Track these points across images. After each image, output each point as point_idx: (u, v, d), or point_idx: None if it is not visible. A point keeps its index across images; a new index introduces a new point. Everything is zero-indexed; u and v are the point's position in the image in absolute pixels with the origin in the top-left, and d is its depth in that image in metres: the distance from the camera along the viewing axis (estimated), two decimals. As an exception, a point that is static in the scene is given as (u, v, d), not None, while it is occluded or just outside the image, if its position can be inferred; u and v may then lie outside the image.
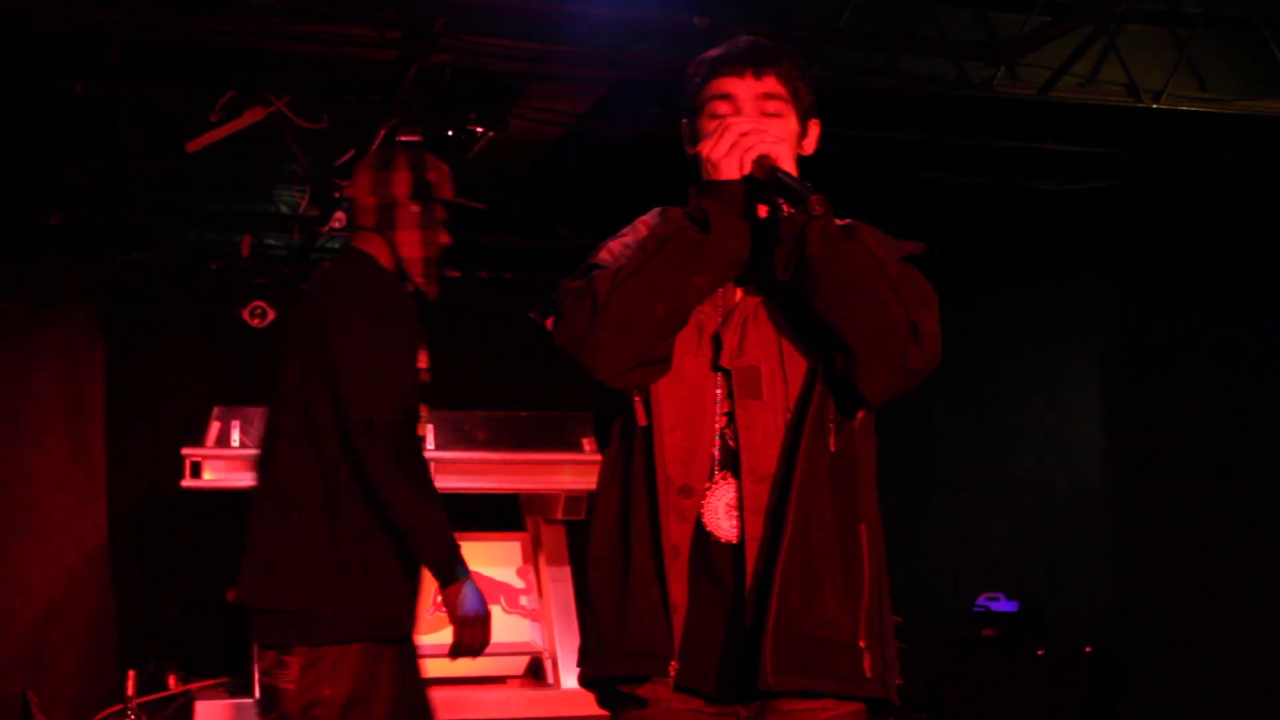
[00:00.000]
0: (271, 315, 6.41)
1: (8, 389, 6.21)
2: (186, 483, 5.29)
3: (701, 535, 1.99)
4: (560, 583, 5.81)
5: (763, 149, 1.95)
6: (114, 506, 6.27)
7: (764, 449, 1.98)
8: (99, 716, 5.73)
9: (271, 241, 7.10)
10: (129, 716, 5.59)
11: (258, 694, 3.03)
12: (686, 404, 2.00)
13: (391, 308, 2.97)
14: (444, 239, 3.12)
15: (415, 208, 3.08)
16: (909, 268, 2.02)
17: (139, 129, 5.29)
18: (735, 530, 1.98)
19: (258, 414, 5.73)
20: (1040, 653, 6.14)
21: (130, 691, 5.62)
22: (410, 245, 3.07)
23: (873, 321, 1.94)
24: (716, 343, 2.02)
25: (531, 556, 5.84)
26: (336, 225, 6.00)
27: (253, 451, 5.42)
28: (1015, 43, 4.53)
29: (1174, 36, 4.79)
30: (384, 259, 3.07)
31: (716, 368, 2.01)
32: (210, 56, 4.76)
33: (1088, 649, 6.20)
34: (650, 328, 1.95)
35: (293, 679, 2.88)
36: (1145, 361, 6.35)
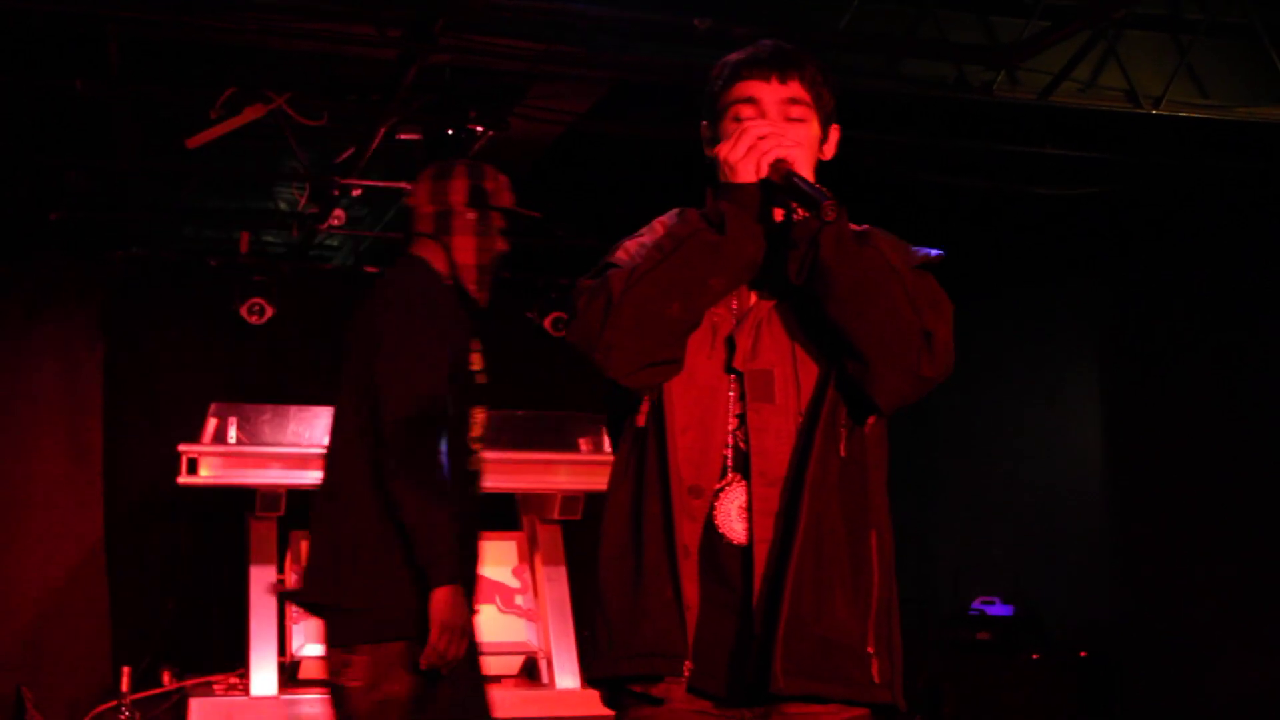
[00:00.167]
0: (270, 312, 6.41)
1: (6, 386, 6.21)
2: (183, 479, 5.29)
3: (710, 536, 1.99)
4: (556, 583, 5.81)
5: (780, 153, 1.95)
6: (111, 503, 6.26)
7: (775, 452, 1.99)
8: (93, 713, 5.73)
9: (270, 239, 7.10)
10: (123, 713, 5.59)
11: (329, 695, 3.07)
12: (699, 405, 2.01)
13: (433, 311, 3.04)
14: (500, 246, 3.20)
15: (471, 215, 3.16)
16: (924, 275, 2.02)
17: (138, 126, 5.29)
18: (746, 532, 1.98)
19: (255, 411, 5.74)
20: (1036, 656, 6.14)
21: (125, 688, 5.62)
22: (465, 251, 3.15)
23: (885, 328, 1.94)
24: (730, 345, 2.02)
25: (527, 556, 5.85)
26: (335, 223, 6.00)
27: (249, 448, 5.47)
28: (1015, 47, 4.54)
29: (1174, 42, 4.79)
30: (439, 265, 3.15)
31: (729, 370, 2.02)
32: (210, 54, 4.76)
33: (1083, 653, 6.20)
34: (663, 328, 1.95)
35: (358, 677, 2.93)
36: (1144, 365, 6.35)
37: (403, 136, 5.32)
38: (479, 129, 5.09)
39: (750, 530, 1.98)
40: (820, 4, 4.47)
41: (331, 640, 3.00)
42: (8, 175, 5.76)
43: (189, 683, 5.70)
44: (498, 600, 5.65)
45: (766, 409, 2.00)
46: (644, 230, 2.11)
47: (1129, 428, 6.42)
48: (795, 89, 2.06)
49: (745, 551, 1.98)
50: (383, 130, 5.07)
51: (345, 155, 5.50)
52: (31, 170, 5.74)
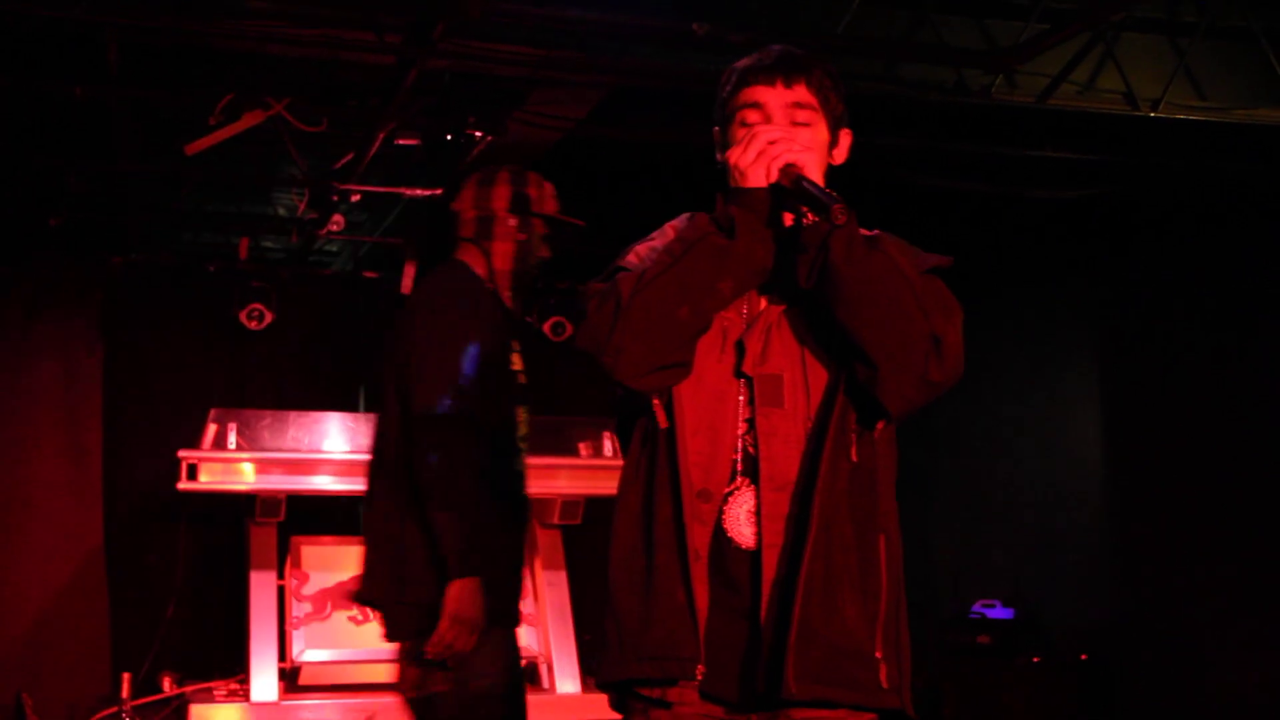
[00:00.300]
0: (269, 318, 6.41)
1: (5, 390, 6.21)
2: (183, 485, 5.29)
3: (719, 540, 1.99)
4: (556, 588, 5.81)
5: (789, 157, 1.96)
6: (110, 509, 6.26)
7: (783, 457, 1.99)
8: (93, 719, 5.73)
9: (269, 244, 7.10)
10: (124, 719, 5.59)
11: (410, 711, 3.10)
12: (708, 409, 2.01)
13: (467, 312, 3.07)
14: (543, 253, 3.24)
15: (512, 221, 3.20)
16: (933, 280, 2.02)
17: (138, 131, 5.29)
18: (755, 537, 1.99)
19: (255, 416, 5.74)
20: (1036, 659, 6.13)
21: (125, 694, 5.62)
22: (504, 257, 3.19)
23: (894, 332, 1.95)
24: (740, 349, 2.03)
25: (528, 561, 5.84)
26: (334, 228, 6.00)
27: (249, 454, 5.47)
28: (1013, 50, 4.54)
29: (1172, 45, 4.80)
30: (480, 269, 3.19)
31: (739, 374, 2.02)
32: (210, 59, 4.75)
33: (1084, 656, 6.20)
34: (672, 331, 1.96)
35: (409, 678, 2.97)
36: (1144, 366, 6.35)
37: (402, 142, 5.32)
38: (478, 134, 5.10)
39: (759, 535, 1.98)
40: (819, 8, 4.47)
41: (391, 634, 3.05)
42: (8, 178, 5.76)
43: (189, 689, 5.70)
44: (498, 604, 5.64)
45: (775, 414, 2.00)
46: (655, 234, 2.12)
47: (1128, 429, 6.41)
48: (801, 93, 2.07)
49: (754, 556, 1.98)
50: (382, 135, 5.06)
51: (344, 160, 5.50)
52: (31, 173, 5.74)
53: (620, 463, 2.10)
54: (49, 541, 6.14)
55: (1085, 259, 6.61)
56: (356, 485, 5.57)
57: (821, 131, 2.09)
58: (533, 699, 5.44)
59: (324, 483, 5.50)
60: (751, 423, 2.01)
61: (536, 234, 3.22)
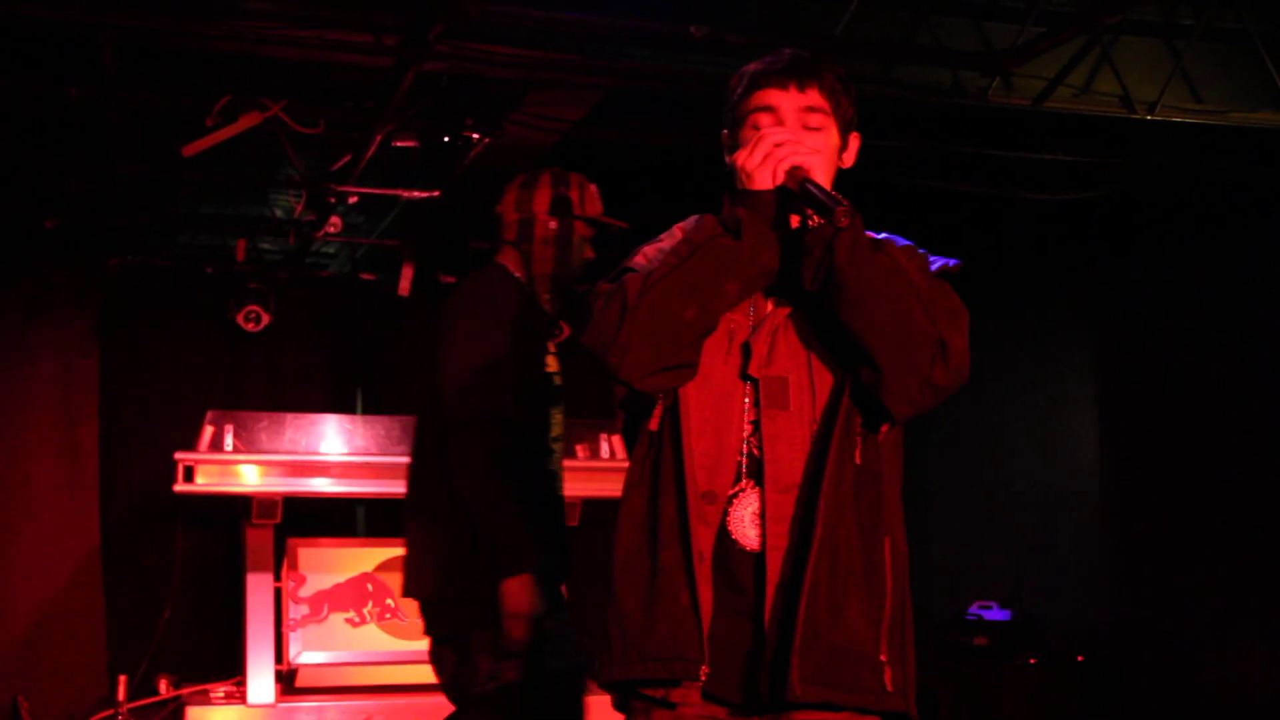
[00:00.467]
0: (266, 319, 6.40)
1: (2, 391, 6.19)
2: (180, 487, 5.28)
3: (723, 542, 2.00)
4: (554, 589, 5.80)
5: (796, 160, 1.97)
6: (107, 511, 6.24)
7: (788, 459, 1.99)
8: (89, 722, 5.72)
9: (266, 246, 7.09)
10: (120, 722, 5.58)
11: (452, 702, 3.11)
12: (713, 410, 2.02)
13: (502, 314, 3.07)
14: (587, 254, 3.24)
15: (553, 224, 3.20)
16: (940, 283, 2.03)
17: (135, 133, 5.28)
18: (759, 539, 1.99)
19: (252, 418, 5.73)
20: (1034, 661, 6.13)
21: (121, 697, 5.61)
22: (544, 261, 3.19)
23: (898, 335, 1.95)
24: (745, 351, 2.03)
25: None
26: (331, 230, 6.00)
27: (246, 456, 5.46)
28: (1010, 53, 4.54)
29: (1169, 48, 4.80)
30: (518, 272, 3.19)
31: (744, 376, 2.03)
32: (206, 61, 4.75)
33: (1081, 657, 6.20)
34: (678, 332, 1.96)
35: (482, 670, 2.98)
36: (1141, 369, 6.35)
37: (399, 144, 5.32)
38: (475, 136, 5.09)
39: (763, 537, 1.98)
40: (817, 10, 4.47)
41: (434, 630, 3.07)
42: (5, 180, 5.75)
43: (186, 691, 5.69)
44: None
45: (780, 416, 2.00)
46: (663, 236, 2.12)
47: (1127, 429, 6.42)
48: (814, 97, 2.08)
49: (758, 558, 1.99)
50: (379, 137, 5.06)
51: (341, 162, 5.50)
52: (29, 175, 5.73)
53: (618, 465, 2.11)
54: (45, 543, 6.12)
55: (1084, 260, 6.61)
56: (354, 487, 5.57)
57: (832, 135, 2.10)
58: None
59: (321, 485, 5.49)
60: (757, 425, 2.01)
61: (578, 236, 3.22)
